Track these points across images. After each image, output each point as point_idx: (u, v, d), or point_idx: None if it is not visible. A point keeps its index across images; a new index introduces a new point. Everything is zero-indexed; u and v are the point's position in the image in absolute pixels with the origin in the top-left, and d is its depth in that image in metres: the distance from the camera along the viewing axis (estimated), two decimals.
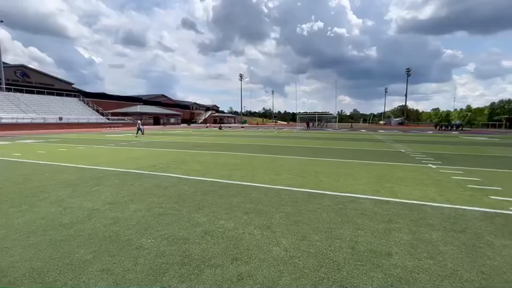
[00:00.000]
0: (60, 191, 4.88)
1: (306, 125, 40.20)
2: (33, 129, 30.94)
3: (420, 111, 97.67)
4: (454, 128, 38.22)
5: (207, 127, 47.84)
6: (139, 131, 22.23)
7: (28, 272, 2.32)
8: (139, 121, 23.60)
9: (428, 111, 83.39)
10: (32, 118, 33.12)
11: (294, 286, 2.14)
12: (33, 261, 2.49)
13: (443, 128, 39.84)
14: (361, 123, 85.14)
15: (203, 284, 2.16)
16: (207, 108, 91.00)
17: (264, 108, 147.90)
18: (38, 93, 41.64)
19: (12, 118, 31.08)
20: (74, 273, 2.30)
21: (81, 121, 38.68)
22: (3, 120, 29.67)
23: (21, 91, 39.34)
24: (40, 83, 45.46)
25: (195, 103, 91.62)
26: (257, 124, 76.70)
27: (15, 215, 3.67)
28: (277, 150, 11.34)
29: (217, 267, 2.41)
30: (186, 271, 2.34)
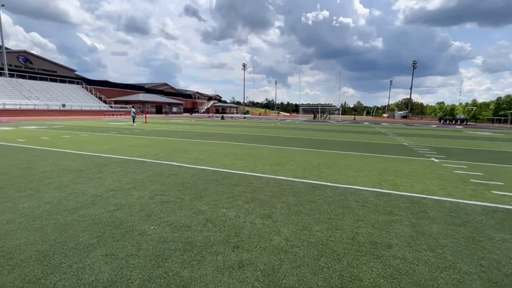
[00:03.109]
0: (64, 176, 4.93)
1: (312, 116, 40.56)
2: (37, 115, 31.04)
3: (425, 104, 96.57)
4: (459, 123, 37.87)
5: (209, 117, 47.73)
6: (134, 119, 21.84)
7: (34, 254, 2.38)
8: (133, 109, 22.89)
9: (433, 104, 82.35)
10: (35, 104, 33.15)
11: (294, 274, 2.18)
12: (39, 244, 2.54)
13: (448, 122, 39.48)
14: (364, 116, 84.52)
15: (205, 270, 2.20)
16: (210, 98, 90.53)
17: (266, 99, 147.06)
18: (41, 79, 41.50)
19: (16, 104, 31.12)
20: (78, 257, 2.35)
21: (84, 108, 38.68)
22: (7, 106, 29.75)
23: (23, 77, 39.22)
24: (43, 70, 45.29)
25: (198, 92, 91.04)
26: (259, 115, 76.39)
27: (20, 199, 3.73)
28: (279, 141, 11.33)
29: (218, 254, 2.45)
30: (188, 257, 2.38)
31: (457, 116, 43.19)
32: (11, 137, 11.13)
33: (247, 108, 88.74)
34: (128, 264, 2.26)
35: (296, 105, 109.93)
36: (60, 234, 2.74)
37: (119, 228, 2.92)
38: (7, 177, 4.81)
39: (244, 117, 48.51)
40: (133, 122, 21.60)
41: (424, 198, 4.13)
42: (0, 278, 2.06)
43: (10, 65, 39.14)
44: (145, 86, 66.77)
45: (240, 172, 5.56)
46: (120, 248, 2.50)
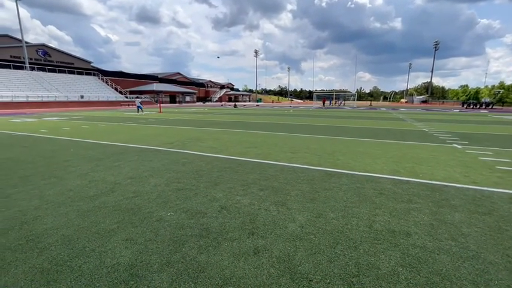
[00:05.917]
0: (84, 165, 5.13)
1: (322, 103, 39.22)
2: (57, 107, 32.29)
3: (446, 88, 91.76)
4: (484, 107, 35.77)
5: (222, 105, 47.77)
6: (140, 109, 22.03)
7: (60, 238, 2.50)
8: (138, 99, 23.34)
9: (456, 88, 78.00)
10: (55, 96, 34.44)
11: (309, 261, 2.17)
12: (64, 229, 2.67)
13: (472, 106, 37.38)
14: (381, 101, 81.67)
15: (221, 256, 2.23)
16: (222, 86, 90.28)
17: (279, 86, 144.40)
18: (59, 72, 42.82)
19: (38, 96, 32.46)
20: (101, 241, 2.45)
21: (101, 99, 39.75)
22: (30, 99, 31.11)
23: (43, 70, 40.61)
24: (61, 62, 46.58)
25: (210, 81, 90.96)
26: (272, 102, 75.63)
27: (46, 186, 3.92)
28: (293, 129, 11.19)
29: (234, 240, 2.48)
30: (204, 243, 2.42)
31: (482, 100, 40.74)
32: (35, 128, 11.66)
33: (259, 96, 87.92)
34: (146, 248, 2.33)
35: (310, 92, 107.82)
36: (83, 220, 2.87)
37: (137, 214, 3.01)
38: (33, 166, 5.07)
39: (257, 105, 48.17)
40: (138, 112, 21.65)
41: (446, 186, 3.96)
42: (30, 260, 2.19)
43: (30, 59, 40.51)
44: (159, 76, 67.33)
45: (253, 160, 5.55)
46: (139, 234, 2.59)
